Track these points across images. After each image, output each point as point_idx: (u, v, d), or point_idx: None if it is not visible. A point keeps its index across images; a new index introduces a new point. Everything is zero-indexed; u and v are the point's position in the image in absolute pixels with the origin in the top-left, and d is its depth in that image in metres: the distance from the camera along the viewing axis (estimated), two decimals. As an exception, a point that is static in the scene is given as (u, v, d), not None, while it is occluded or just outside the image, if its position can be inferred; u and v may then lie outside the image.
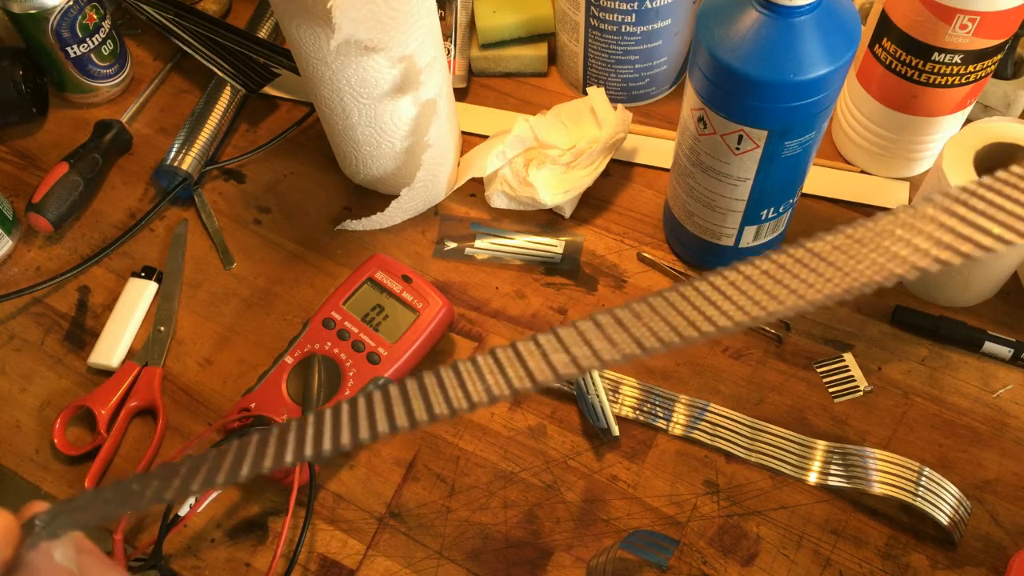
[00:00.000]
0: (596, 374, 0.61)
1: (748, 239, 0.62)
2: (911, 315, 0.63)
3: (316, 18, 0.56)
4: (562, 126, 0.70)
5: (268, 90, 0.78)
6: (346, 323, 0.60)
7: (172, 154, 0.72)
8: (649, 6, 0.66)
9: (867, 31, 0.63)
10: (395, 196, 0.67)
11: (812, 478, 0.58)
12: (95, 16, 0.75)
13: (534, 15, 0.76)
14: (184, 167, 0.72)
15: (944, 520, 0.54)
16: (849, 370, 0.62)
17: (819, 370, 0.62)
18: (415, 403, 0.28)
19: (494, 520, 0.58)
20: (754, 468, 0.59)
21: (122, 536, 0.55)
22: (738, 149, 0.54)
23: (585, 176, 0.68)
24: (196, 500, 0.54)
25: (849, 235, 0.27)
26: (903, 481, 0.55)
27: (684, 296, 0.28)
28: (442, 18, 0.75)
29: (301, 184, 0.74)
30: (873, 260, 0.26)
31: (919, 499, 0.54)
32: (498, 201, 0.69)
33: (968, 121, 0.65)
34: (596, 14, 0.68)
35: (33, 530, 0.30)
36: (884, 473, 0.55)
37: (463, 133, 0.75)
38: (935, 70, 0.59)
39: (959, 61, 0.58)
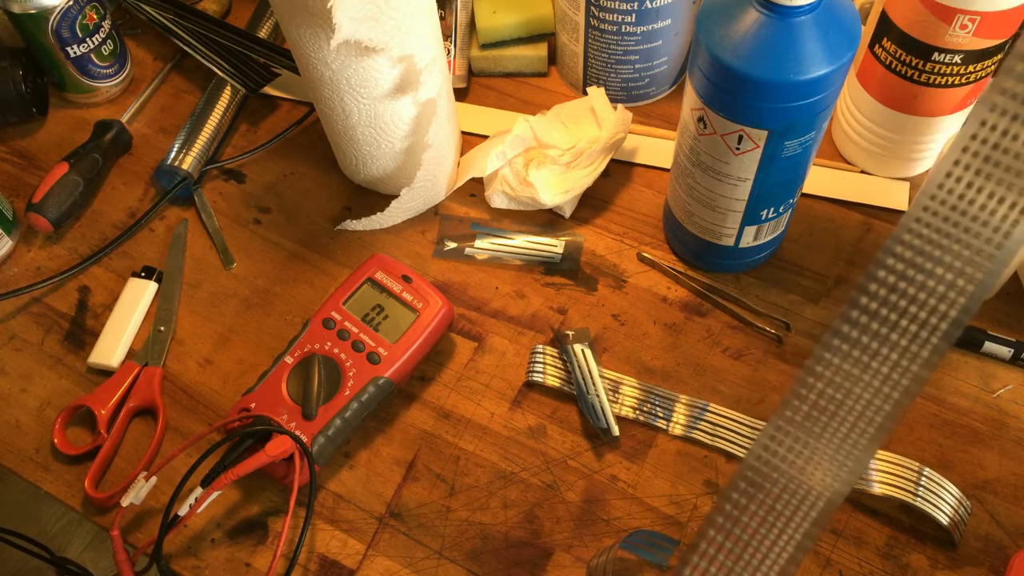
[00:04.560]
0: (596, 374, 0.61)
1: (748, 239, 0.62)
2: (911, 315, 0.63)
3: (316, 18, 0.56)
4: (562, 126, 0.70)
5: (268, 90, 0.78)
6: (346, 323, 0.60)
7: (172, 154, 0.72)
8: (649, 6, 0.66)
9: (867, 31, 0.63)
10: (395, 196, 0.67)
11: (812, 478, 0.58)
12: (95, 16, 0.75)
13: (534, 15, 0.76)
14: (184, 167, 0.72)
15: (944, 520, 0.54)
16: (849, 370, 0.62)
17: (819, 370, 0.62)
18: None
19: (494, 520, 0.58)
20: (754, 468, 0.59)
21: (119, 532, 0.55)
22: (738, 149, 0.54)
23: (585, 176, 0.68)
24: (196, 500, 0.54)
25: None
26: (903, 481, 0.55)
27: None
28: (442, 18, 0.75)
29: (301, 184, 0.74)
30: None
31: (919, 499, 0.54)
32: (498, 201, 0.69)
33: (968, 121, 0.64)
34: (596, 14, 0.68)
35: None
36: (884, 473, 0.55)
37: (463, 133, 0.75)
38: (935, 70, 0.59)
39: (959, 61, 0.58)
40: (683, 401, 0.61)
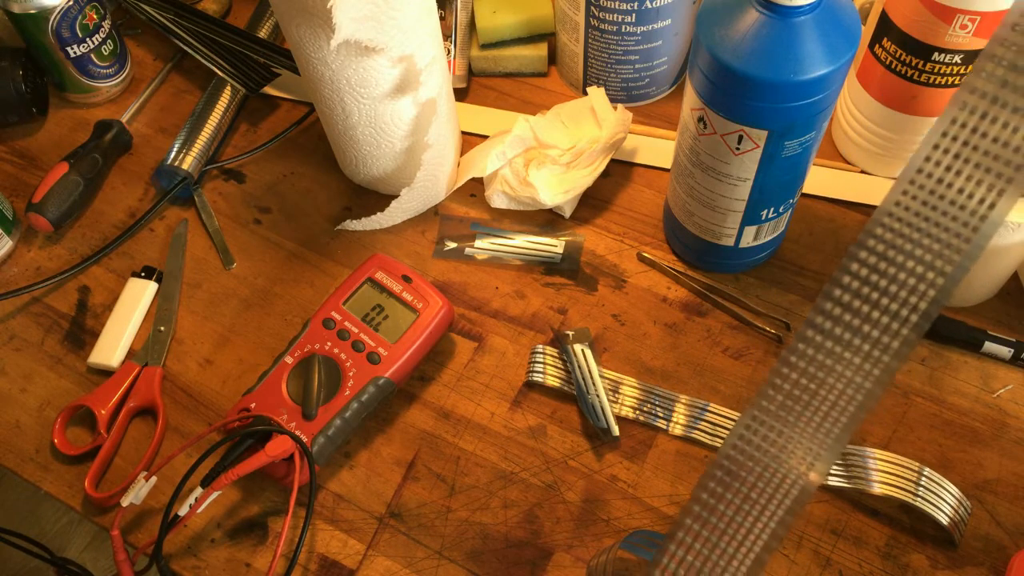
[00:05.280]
0: (596, 374, 0.61)
1: (748, 239, 0.62)
2: (911, 315, 0.63)
3: (316, 18, 0.56)
4: (562, 126, 0.70)
5: (268, 90, 0.78)
6: (346, 323, 0.60)
7: (172, 154, 0.72)
8: (649, 6, 0.66)
9: (867, 31, 0.63)
10: (395, 196, 0.67)
11: (812, 478, 0.58)
12: (95, 16, 0.75)
13: (534, 15, 0.76)
14: (184, 167, 0.72)
15: (944, 520, 0.54)
16: (849, 370, 0.62)
17: (819, 370, 0.62)
18: None
19: (494, 520, 0.58)
20: (754, 468, 0.59)
21: (119, 532, 0.55)
22: (738, 149, 0.54)
23: (585, 176, 0.68)
24: (196, 500, 0.54)
25: None
26: (903, 481, 0.55)
27: None
28: (442, 18, 0.75)
29: (301, 184, 0.74)
30: None
31: (919, 499, 0.54)
32: (498, 201, 0.69)
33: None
34: (596, 14, 0.68)
35: None
36: (884, 473, 0.55)
37: (463, 133, 0.75)
38: (935, 70, 0.59)
39: (959, 61, 0.58)
40: (683, 401, 0.61)
